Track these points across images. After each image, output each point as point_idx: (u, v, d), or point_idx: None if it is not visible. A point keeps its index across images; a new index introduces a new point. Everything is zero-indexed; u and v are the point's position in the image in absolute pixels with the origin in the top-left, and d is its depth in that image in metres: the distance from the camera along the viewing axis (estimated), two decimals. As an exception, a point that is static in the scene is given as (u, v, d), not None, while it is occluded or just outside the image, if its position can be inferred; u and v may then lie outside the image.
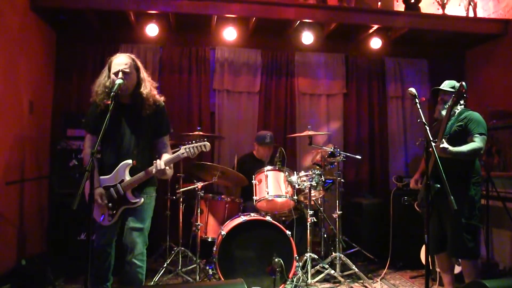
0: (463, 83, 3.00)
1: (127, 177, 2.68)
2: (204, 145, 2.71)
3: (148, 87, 2.76)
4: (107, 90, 2.67)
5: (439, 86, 3.27)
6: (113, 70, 2.67)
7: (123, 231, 2.73)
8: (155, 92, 2.81)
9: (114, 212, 2.69)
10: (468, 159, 3.05)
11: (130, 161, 2.69)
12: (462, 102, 3.17)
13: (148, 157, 2.77)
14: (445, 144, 2.88)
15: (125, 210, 2.71)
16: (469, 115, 3.11)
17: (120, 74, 2.62)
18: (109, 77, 2.70)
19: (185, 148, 2.70)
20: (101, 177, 2.68)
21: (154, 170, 2.64)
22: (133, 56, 2.77)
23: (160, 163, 2.63)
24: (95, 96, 2.73)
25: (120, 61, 2.69)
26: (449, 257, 3.24)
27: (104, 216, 2.69)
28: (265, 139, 4.37)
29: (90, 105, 2.81)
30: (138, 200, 2.70)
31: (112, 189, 2.68)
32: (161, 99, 2.84)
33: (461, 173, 3.06)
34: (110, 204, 2.68)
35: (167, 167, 2.68)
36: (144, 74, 2.77)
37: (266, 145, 4.37)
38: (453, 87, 3.17)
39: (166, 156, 2.73)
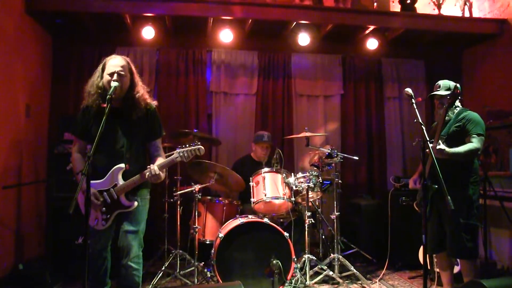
0: (457, 85, 3.00)
1: (120, 181, 2.65)
2: (198, 149, 2.67)
3: (141, 91, 2.73)
4: (99, 91, 2.65)
5: (436, 85, 3.28)
6: (108, 71, 2.64)
7: (118, 234, 2.71)
8: (147, 96, 2.78)
9: (108, 216, 2.66)
10: (466, 159, 3.06)
11: (123, 165, 2.66)
12: (457, 103, 3.18)
13: (141, 161, 2.76)
14: (441, 146, 2.88)
15: (119, 214, 2.69)
16: (468, 116, 3.10)
17: (115, 76, 2.60)
18: (102, 77, 2.67)
19: (179, 152, 2.67)
20: (94, 181, 2.59)
21: (147, 175, 2.61)
22: (128, 59, 2.76)
23: (154, 168, 2.59)
24: (87, 97, 2.70)
25: (116, 62, 2.66)
26: (448, 256, 3.24)
27: (97, 220, 2.66)
28: (262, 137, 4.39)
29: (80, 110, 2.78)
30: (132, 203, 2.67)
31: (105, 193, 2.65)
32: (153, 103, 2.82)
33: (459, 173, 3.05)
34: (103, 209, 2.65)
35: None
36: (137, 78, 2.76)
37: (264, 143, 4.37)
38: (448, 89, 3.17)
39: (159, 160, 2.71)
